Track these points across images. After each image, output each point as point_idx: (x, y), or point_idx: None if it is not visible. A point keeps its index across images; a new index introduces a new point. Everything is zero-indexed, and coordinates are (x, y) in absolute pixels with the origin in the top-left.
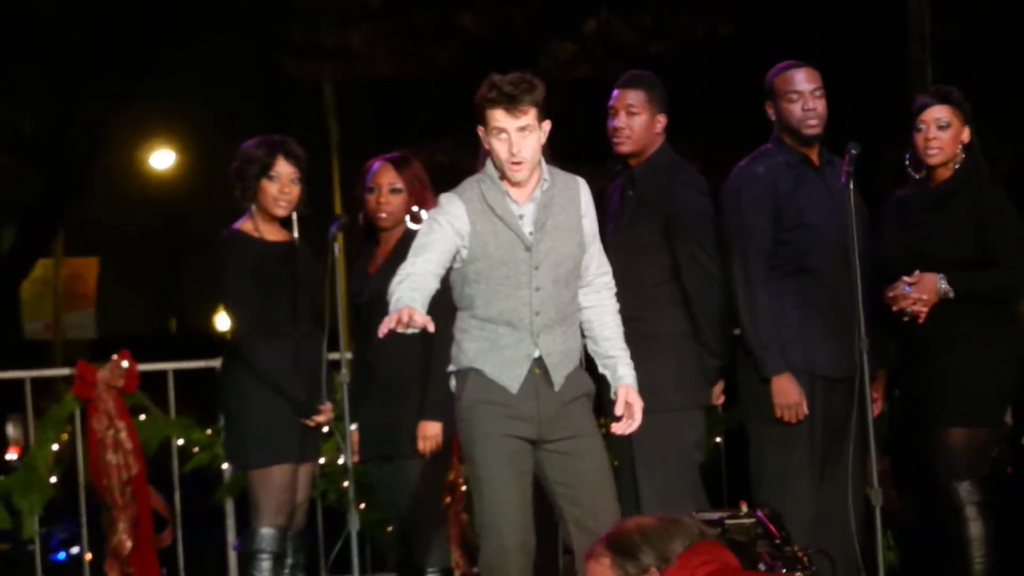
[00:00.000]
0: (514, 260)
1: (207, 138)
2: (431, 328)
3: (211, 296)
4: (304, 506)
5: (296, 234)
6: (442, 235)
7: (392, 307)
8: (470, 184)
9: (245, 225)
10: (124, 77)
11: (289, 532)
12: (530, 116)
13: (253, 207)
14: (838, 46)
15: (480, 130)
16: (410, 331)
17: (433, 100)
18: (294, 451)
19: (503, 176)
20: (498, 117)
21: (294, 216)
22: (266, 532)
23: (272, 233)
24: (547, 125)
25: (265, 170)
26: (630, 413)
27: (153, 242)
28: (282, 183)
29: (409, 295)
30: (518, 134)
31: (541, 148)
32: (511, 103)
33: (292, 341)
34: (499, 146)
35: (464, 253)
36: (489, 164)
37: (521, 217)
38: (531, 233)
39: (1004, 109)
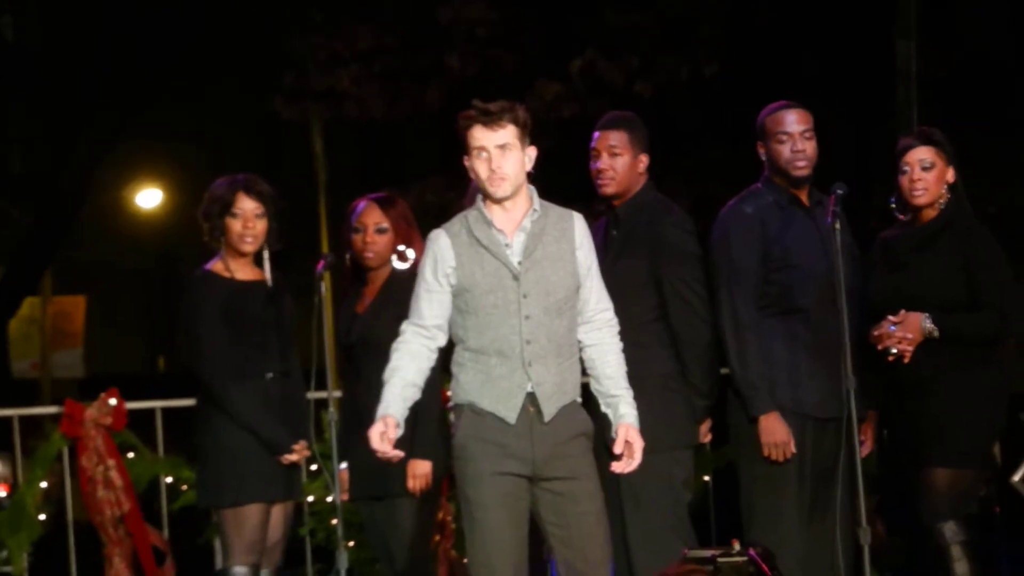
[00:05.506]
0: (502, 289)
1: (194, 177)
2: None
3: (181, 335)
4: (282, 544)
5: (268, 272)
6: (427, 288)
7: (381, 400)
8: (459, 218)
9: (216, 265)
10: (117, 118)
11: (264, 571)
12: (509, 133)
13: (222, 247)
14: (828, 87)
15: (466, 161)
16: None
17: (422, 140)
18: (267, 490)
19: (488, 199)
20: (477, 136)
21: (265, 254)
22: (238, 571)
23: (243, 272)
24: (532, 151)
25: (227, 208)
26: (630, 452)
27: (140, 280)
28: (245, 219)
29: (393, 396)
30: (497, 151)
31: (526, 173)
32: (489, 118)
33: (262, 381)
34: (480, 165)
35: (453, 281)
36: (479, 199)
37: (508, 247)
38: (519, 263)
39: (991, 151)
